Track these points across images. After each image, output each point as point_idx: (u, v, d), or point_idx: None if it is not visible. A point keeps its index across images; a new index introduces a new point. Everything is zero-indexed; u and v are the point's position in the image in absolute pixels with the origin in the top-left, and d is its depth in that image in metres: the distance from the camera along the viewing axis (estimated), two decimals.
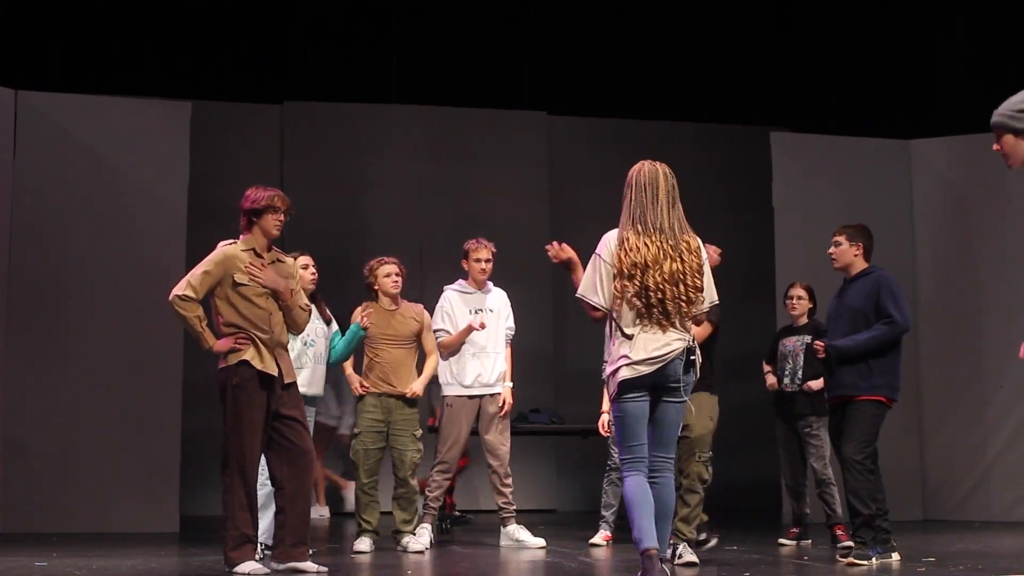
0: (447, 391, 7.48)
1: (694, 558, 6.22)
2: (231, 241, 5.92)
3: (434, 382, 7.56)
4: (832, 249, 6.59)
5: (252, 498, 5.66)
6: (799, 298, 7.83)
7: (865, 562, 6.06)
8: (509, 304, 7.64)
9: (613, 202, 12.43)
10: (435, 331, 7.43)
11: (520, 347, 10.08)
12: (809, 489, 7.72)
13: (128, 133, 8.84)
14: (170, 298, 5.71)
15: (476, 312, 7.48)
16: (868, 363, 6.31)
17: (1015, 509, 9.17)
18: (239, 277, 5.75)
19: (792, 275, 8.51)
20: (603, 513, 7.66)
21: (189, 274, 5.80)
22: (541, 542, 7.38)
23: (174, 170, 8.82)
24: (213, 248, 5.92)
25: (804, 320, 7.81)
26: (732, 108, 11.62)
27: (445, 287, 7.61)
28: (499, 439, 7.44)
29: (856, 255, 6.58)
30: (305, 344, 6.73)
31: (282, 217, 5.89)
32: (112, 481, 8.42)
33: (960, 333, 9.46)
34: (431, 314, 7.44)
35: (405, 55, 11.31)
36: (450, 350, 7.44)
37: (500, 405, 7.47)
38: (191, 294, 5.69)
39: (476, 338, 7.45)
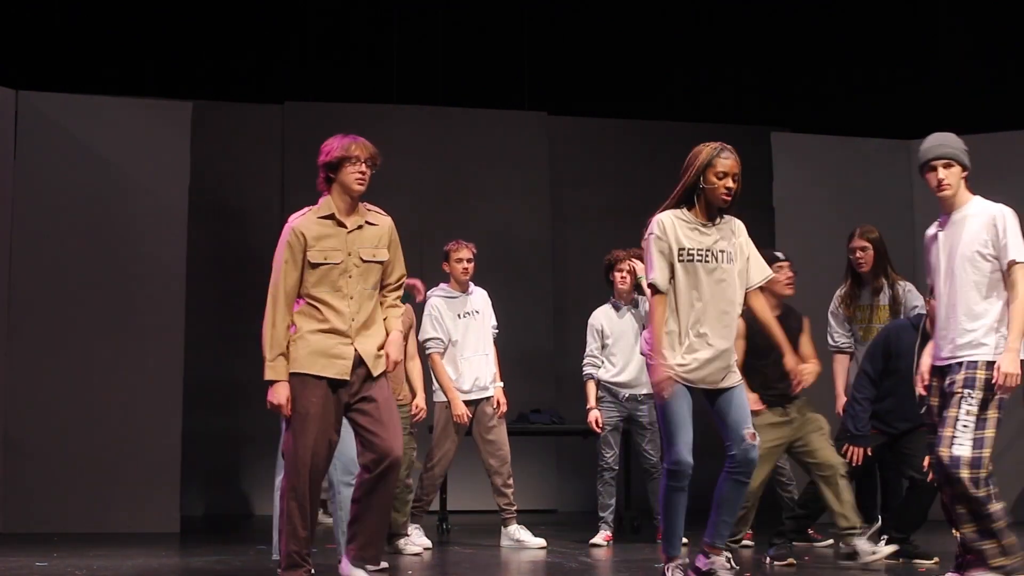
0: (443, 396, 7.47)
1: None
2: (302, 212, 5.12)
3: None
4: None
5: (304, 508, 4.99)
6: None
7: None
8: (490, 301, 7.66)
9: (613, 202, 12.46)
10: (427, 340, 7.44)
11: (520, 347, 10.11)
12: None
13: (128, 133, 8.84)
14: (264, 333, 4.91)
15: (464, 316, 7.50)
16: None
17: (1016, 510, 9.15)
18: (313, 255, 4.95)
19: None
20: (601, 514, 7.67)
21: (272, 280, 4.98)
22: (541, 542, 7.38)
23: (174, 170, 8.82)
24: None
25: None
26: (732, 108, 11.61)
27: (429, 293, 7.60)
28: (501, 439, 7.45)
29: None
30: None
31: (363, 168, 5.10)
32: (112, 481, 8.42)
33: None
34: (419, 321, 7.45)
35: (405, 55, 11.31)
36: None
37: (495, 406, 7.48)
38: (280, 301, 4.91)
39: (467, 341, 7.46)
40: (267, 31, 11.14)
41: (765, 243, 9.63)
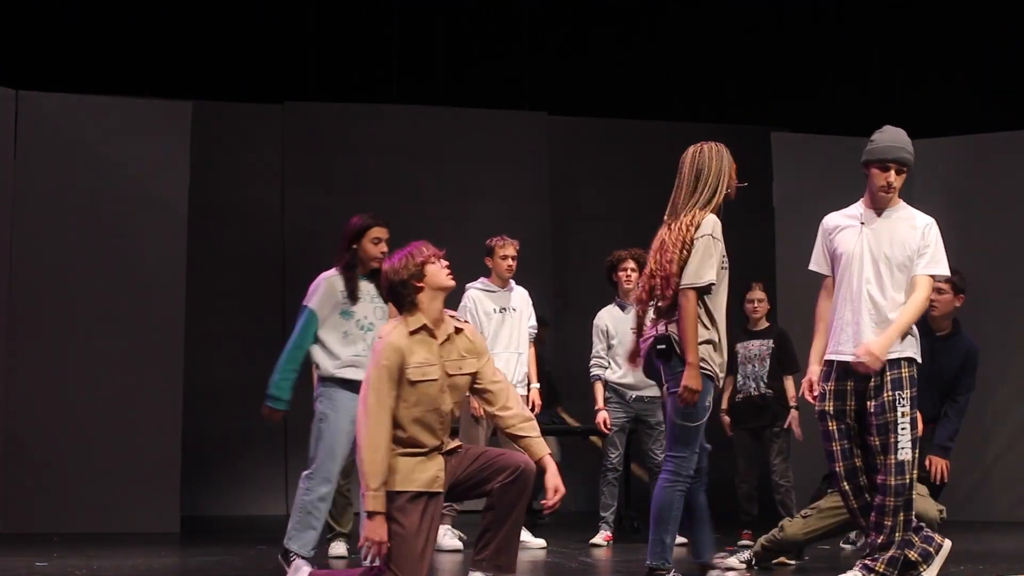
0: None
1: None
2: (395, 322, 4.63)
3: None
4: (935, 296, 6.06)
5: None
6: (760, 300, 7.81)
7: None
8: (531, 302, 7.63)
9: (613, 202, 12.44)
10: None
11: None
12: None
13: (128, 133, 8.84)
14: (363, 449, 4.40)
15: (501, 311, 7.45)
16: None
17: (1016, 509, 9.16)
18: (412, 372, 4.49)
19: (792, 275, 8.50)
20: (602, 514, 7.66)
21: (369, 388, 4.45)
22: (541, 542, 7.38)
23: (174, 170, 8.82)
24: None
25: (764, 323, 7.80)
26: (732, 108, 11.61)
27: (468, 285, 7.56)
28: None
29: (956, 308, 6.38)
30: (362, 329, 5.80)
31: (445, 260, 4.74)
32: (112, 481, 8.41)
33: None
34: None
35: (405, 55, 11.31)
36: None
37: (529, 407, 7.42)
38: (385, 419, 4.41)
39: (499, 338, 7.41)
40: (267, 31, 11.14)
41: (766, 244, 9.68)
